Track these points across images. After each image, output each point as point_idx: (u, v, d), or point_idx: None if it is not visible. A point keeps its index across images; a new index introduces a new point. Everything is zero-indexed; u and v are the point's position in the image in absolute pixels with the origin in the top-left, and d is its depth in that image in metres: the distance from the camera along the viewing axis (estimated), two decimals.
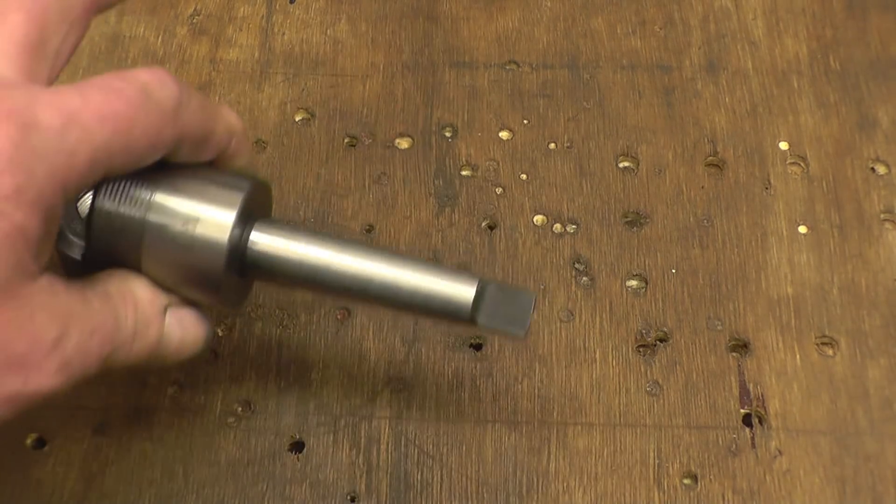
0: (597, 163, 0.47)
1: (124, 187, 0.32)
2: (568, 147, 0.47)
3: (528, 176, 0.47)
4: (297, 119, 0.48)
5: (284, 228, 0.35)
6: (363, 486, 0.40)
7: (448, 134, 0.48)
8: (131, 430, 0.41)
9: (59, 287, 0.29)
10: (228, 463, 0.40)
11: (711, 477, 0.40)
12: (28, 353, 0.28)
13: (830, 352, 0.43)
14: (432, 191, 0.46)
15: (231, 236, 0.33)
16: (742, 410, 0.41)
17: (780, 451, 0.40)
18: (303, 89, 0.49)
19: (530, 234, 0.45)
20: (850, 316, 0.43)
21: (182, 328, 0.34)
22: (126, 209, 0.32)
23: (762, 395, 0.41)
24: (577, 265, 0.45)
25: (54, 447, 0.40)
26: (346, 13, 0.51)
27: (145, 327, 0.33)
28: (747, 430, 0.41)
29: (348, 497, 0.40)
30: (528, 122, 0.48)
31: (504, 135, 0.48)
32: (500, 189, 0.46)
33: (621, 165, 0.47)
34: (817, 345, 0.43)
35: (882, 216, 0.45)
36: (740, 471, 0.40)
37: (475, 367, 0.42)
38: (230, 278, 0.34)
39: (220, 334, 0.43)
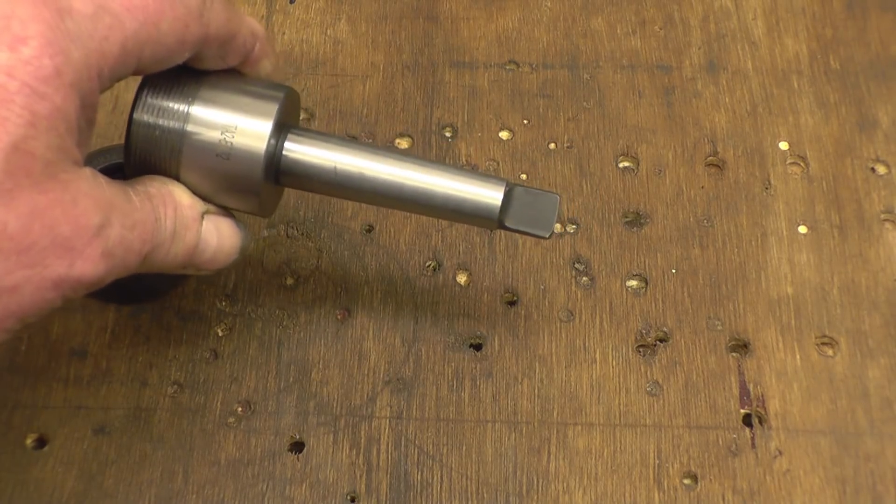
0: (597, 163, 0.47)
1: (161, 100, 0.34)
2: (568, 147, 0.47)
3: (528, 176, 0.47)
4: None
5: (317, 136, 0.36)
6: (363, 486, 0.40)
7: (448, 134, 0.48)
8: (131, 430, 0.41)
9: (102, 180, 0.30)
10: (228, 463, 0.40)
11: (711, 477, 0.40)
12: (73, 236, 0.28)
13: (830, 352, 0.43)
14: None
15: (268, 145, 0.34)
16: (742, 410, 0.41)
17: (780, 451, 0.40)
18: (303, 89, 0.49)
19: None
20: (850, 316, 0.43)
21: (219, 235, 0.35)
22: (164, 121, 0.34)
23: (762, 395, 0.41)
24: (577, 265, 0.45)
25: (54, 447, 0.40)
26: (346, 13, 0.51)
27: (184, 229, 0.34)
28: (747, 430, 0.41)
29: (348, 497, 0.40)
30: (528, 122, 0.48)
31: (504, 135, 0.48)
32: None
33: (621, 165, 0.47)
34: (817, 345, 0.43)
35: (882, 216, 0.45)
36: (740, 471, 0.40)
37: (475, 367, 0.42)
38: (266, 186, 0.35)
39: (220, 334, 0.43)
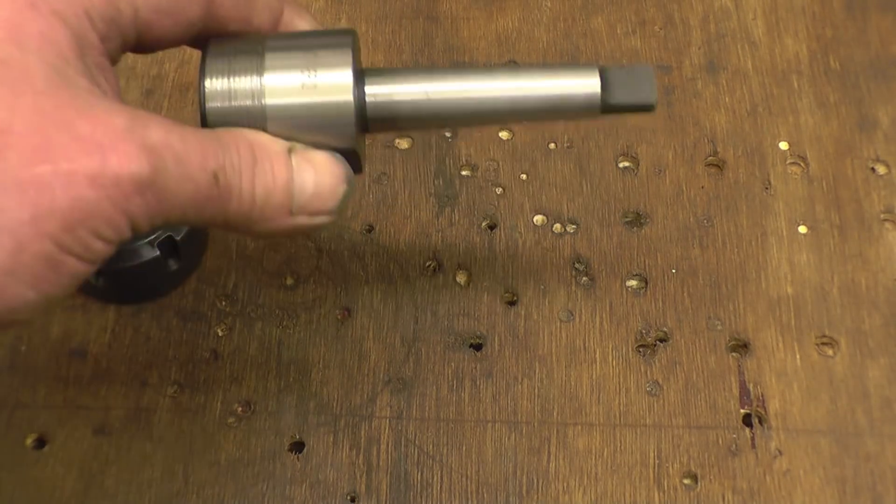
0: (597, 163, 0.47)
1: (229, 81, 0.32)
2: (568, 147, 0.47)
3: (528, 176, 0.47)
4: None
5: (394, 74, 0.34)
6: (363, 486, 0.40)
7: (448, 134, 0.48)
8: (131, 430, 0.41)
9: (139, 109, 0.29)
10: (228, 463, 0.40)
11: (711, 477, 0.40)
12: (95, 132, 0.26)
13: (830, 352, 0.43)
14: (432, 191, 0.46)
15: (354, 96, 0.32)
16: (742, 410, 0.41)
17: (780, 451, 0.40)
18: None
19: (530, 234, 0.45)
20: (850, 316, 0.43)
21: (315, 169, 0.32)
22: (240, 102, 0.32)
23: (762, 395, 0.41)
24: (577, 265, 0.45)
25: (54, 447, 0.40)
26: (346, 13, 0.51)
27: (267, 160, 0.31)
28: (747, 430, 0.41)
29: (348, 497, 0.40)
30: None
31: (504, 135, 0.48)
32: (500, 189, 0.46)
33: (621, 165, 0.47)
34: (817, 345, 0.43)
35: (882, 216, 0.45)
36: (740, 471, 0.40)
37: (475, 367, 0.42)
38: (360, 138, 0.33)
39: (220, 334, 0.43)
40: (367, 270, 0.44)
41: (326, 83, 0.32)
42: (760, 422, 0.41)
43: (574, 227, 0.45)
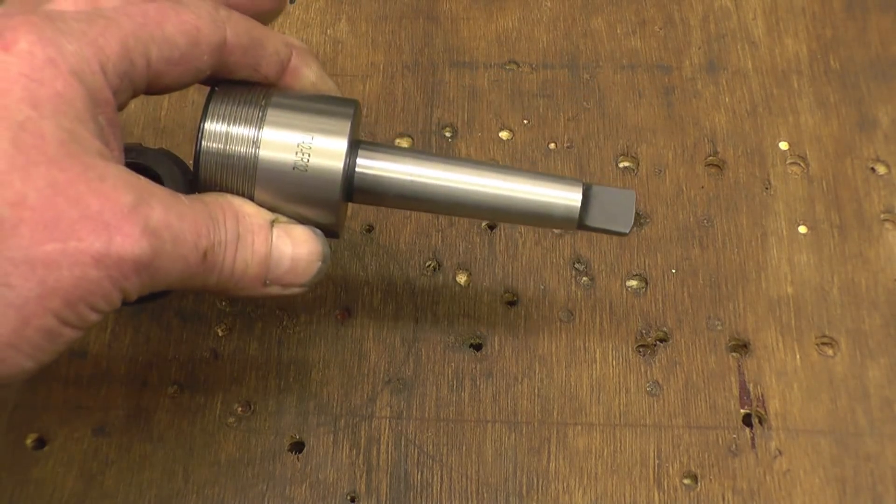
0: (597, 163, 0.47)
1: (228, 126, 0.33)
2: (568, 147, 0.47)
3: None
4: None
5: (387, 151, 0.36)
6: (363, 486, 0.40)
7: (448, 134, 0.48)
8: (131, 430, 0.41)
9: (138, 175, 0.30)
10: (228, 463, 0.40)
11: (711, 477, 0.40)
12: (104, 210, 0.28)
13: (830, 352, 0.43)
14: None
15: (345, 165, 0.34)
16: (742, 410, 0.41)
17: (780, 451, 0.40)
18: None
19: (530, 234, 0.45)
20: (850, 316, 0.43)
21: (293, 244, 0.34)
22: (234, 147, 0.33)
23: (762, 395, 0.41)
24: (577, 265, 0.45)
25: (54, 447, 0.40)
26: (346, 13, 0.51)
27: (249, 234, 0.33)
28: (747, 430, 0.41)
29: (348, 497, 0.40)
30: (528, 122, 0.48)
31: (504, 135, 0.48)
32: None
33: (621, 165, 0.47)
34: (817, 345, 0.43)
35: (882, 216, 0.45)
36: (740, 471, 0.40)
37: (475, 367, 0.42)
38: (342, 205, 0.35)
39: (220, 334, 0.43)
40: (367, 270, 0.44)
41: (321, 147, 0.34)
42: (760, 422, 0.41)
43: None
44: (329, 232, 0.35)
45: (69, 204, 0.27)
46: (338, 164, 0.34)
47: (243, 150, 0.33)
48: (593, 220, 0.36)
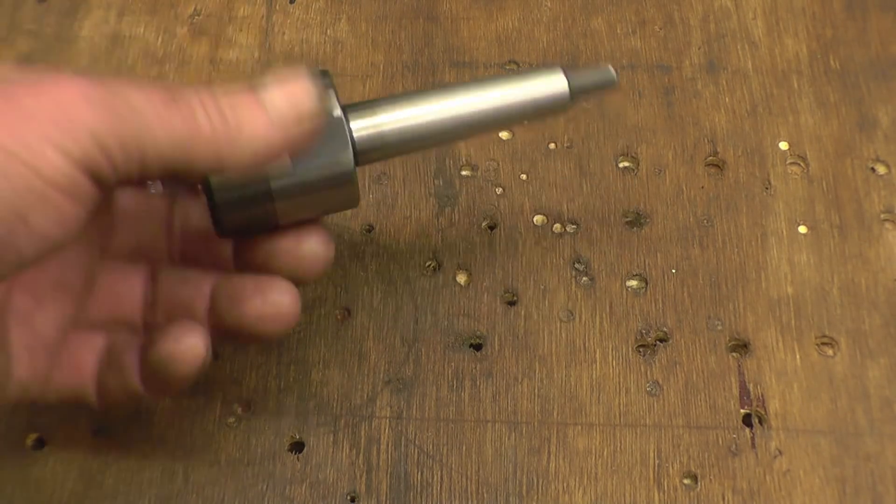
0: (597, 163, 0.47)
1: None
2: (568, 147, 0.47)
3: (528, 176, 0.47)
4: None
5: (370, 107, 0.35)
6: (363, 486, 0.40)
7: None
8: (131, 430, 0.41)
9: None
10: (228, 463, 0.40)
11: (711, 477, 0.40)
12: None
13: (830, 352, 0.43)
14: (432, 191, 0.46)
15: (349, 134, 0.33)
16: (742, 410, 0.41)
17: (780, 451, 0.40)
18: None
19: (530, 234, 0.45)
20: (850, 316, 0.43)
21: (275, 81, 0.31)
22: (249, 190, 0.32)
23: (762, 395, 0.41)
24: (577, 265, 0.45)
25: (54, 447, 0.40)
26: (346, 13, 0.51)
27: (219, 88, 0.31)
28: (747, 430, 0.41)
29: (348, 497, 0.40)
30: (528, 121, 0.48)
31: (504, 135, 0.48)
32: (500, 189, 0.46)
33: (621, 165, 0.47)
34: (817, 345, 0.43)
35: (882, 216, 0.45)
36: (740, 471, 0.40)
37: (475, 367, 0.42)
38: (356, 173, 0.34)
39: None
40: (367, 270, 0.44)
41: (321, 133, 0.33)
42: (760, 422, 0.41)
43: (574, 227, 0.45)
44: (352, 203, 0.35)
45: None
46: (345, 139, 0.33)
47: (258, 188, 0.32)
48: (581, 81, 0.36)
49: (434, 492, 0.40)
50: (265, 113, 0.30)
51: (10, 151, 0.26)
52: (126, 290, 0.35)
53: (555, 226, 0.45)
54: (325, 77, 0.34)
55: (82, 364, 0.34)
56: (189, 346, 0.31)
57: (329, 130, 0.33)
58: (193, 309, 0.34)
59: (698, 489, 0.40)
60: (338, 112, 0.33)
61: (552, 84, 0.36)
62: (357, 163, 0.35)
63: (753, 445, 0.41)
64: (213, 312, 0.34)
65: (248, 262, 0.34)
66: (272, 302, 0.33)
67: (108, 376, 0.34)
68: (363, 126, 0.35)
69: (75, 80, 0.27)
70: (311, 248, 0.34)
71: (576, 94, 0.36)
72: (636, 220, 0.46)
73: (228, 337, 0.34)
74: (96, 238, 0.35)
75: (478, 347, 0.43)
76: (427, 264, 0.45)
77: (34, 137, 0.26)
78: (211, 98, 0.30)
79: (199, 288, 0.34)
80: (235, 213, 0.33)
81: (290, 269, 0.34)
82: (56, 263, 0.33)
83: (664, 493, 0.40)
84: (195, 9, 0.51)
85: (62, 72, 0.28)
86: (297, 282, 0.34)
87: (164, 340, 0.32)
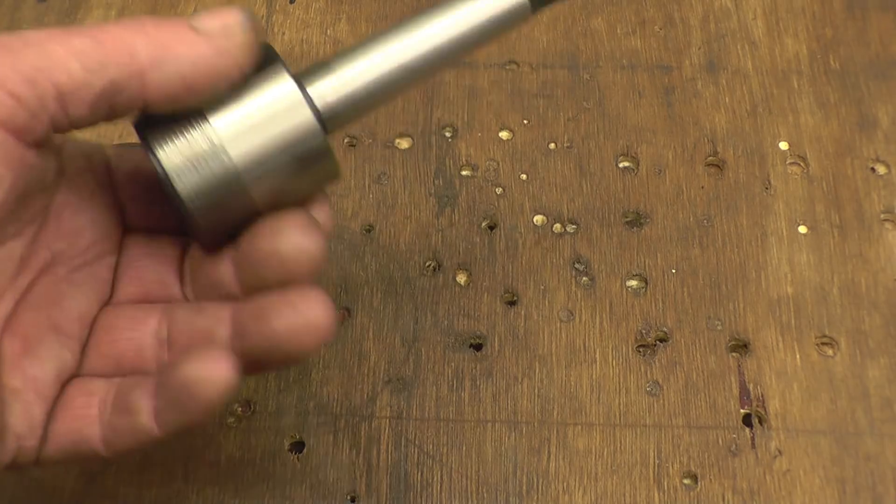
0: (597, 163, 0.47)
1: (186, 159, 0.29)
2: (568, 147, 0.47)
3: (528, 176, 0.47)
4: None
5: (324, 68, 0.32)
6: (363, 486, 0.40)
7: (448, 134, 0.48)
8: None
9: None
10: (228, 463, 0.40)
11: (711, 477, 0.40)
12: None
13: (830, 352, 0.43)
14: (432, 191, 0.46)
15: (311, 106, 0.30)
16: (742, 410, 0.41)
17: (780, 451, 0.40)
18: None
19: (530, 234, 0.45)
20: (850, 316, 0.43)
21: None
22: (206, 169, 0.29)
23: (762, 395, 0.41)
24: (577, 265, 0.45)
25: None
26: (346, 13, 0.51)
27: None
28: (747, 430, 0.41)
29: (348, 497, 0.40)
30: (528, 122, 0.48)
31: (504, 135, 0.48)
32: (500, 189, 0.46)
33: (621, 165, 0.47)
34: (817, 345, 0.43)
35: (882, 216, 0.45)
36: (740, 471, 0.40)
37: (475, 367, 0.42)
38: (328, 142, 0.31)
39: None
40: (367, 270, 0.44)
41: (277, 108, 0.30)
42: (760, 422, 0.41)
43: (574, 227, 0.45)
44: (333, 175, 0.32)
45: None
46: (305, 111, 0.30)
47: (216, 166, 0.30)
48: None
49: (434, 492, 0.40)
50: (193, 31, 0.28)
51: None
52: (134, 334, 0.32)
53: (555, 226, 0.45)
54: (268, 49, 0.31)
55: (85, 411, 0.31)
56: (217, 367, 0.28)
57: (285, 102, 0.30)
58: (214, 337, 0.31)
59: (698, 489, 0.40)
60: (288, 80, 0.30)
61: (514, 4, 0.32)
62: (326, 129, 0.32)
63: (753, 445, 0.41)
64: (237, 336, 0.31)
65: (248, 279, 0.32)
66: (303, 312, 0.29)
67: (116, 420, 0.30)
68: (323, 89, 0.31)
69: None
70: (291, 240, 0.30)
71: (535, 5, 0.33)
72: (636, 220, 0.46)
73: (257, 362, 0.30)
74: (95, 287, 0.32)
75: (478, 347, 0.43)
76: (427, 264, 0.45)
77: None
78: (131, 20, 0.28)
79: (217, 316, 0.31)
80: (212, 216, 0.30)
81: (277, 271, 0.30)
82: (47, 309, 0.31)
83: (664, 493, 0.40)
84: (195, 9, 0.51)
85: None
86: (295, 282, 0.31)
87: (188, 363, 0.29)
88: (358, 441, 0.41)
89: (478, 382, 0.42)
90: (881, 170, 0.47)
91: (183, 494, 0.40)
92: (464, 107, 0.48)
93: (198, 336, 0.31)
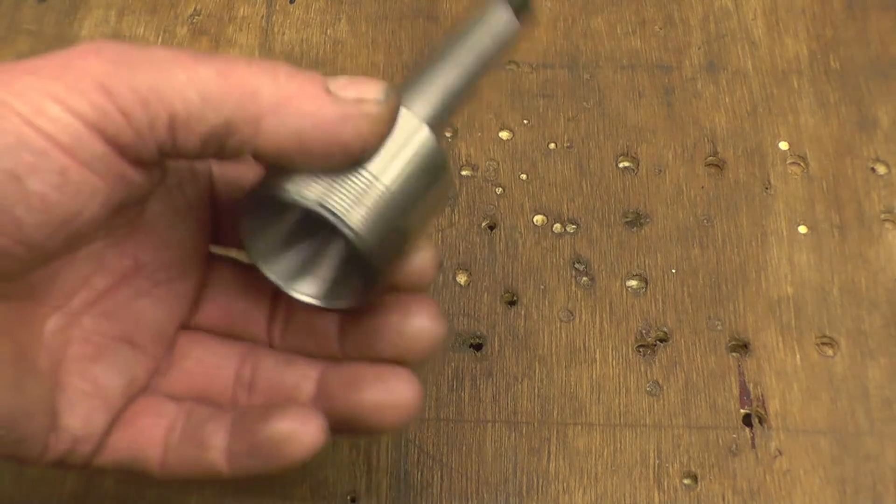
0: (597, 163, 0.47)
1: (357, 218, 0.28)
2: (568, 147, 0.47)
3: (528, 176, 0.47)
4: None
5: (407, 93, 0.31)
6: (363, 486, 0.40)
7: (448, 134, 0.48)
8: None
9: None
10: None
11: (711, 477, 0.40)
12: None
13: (830, 352, 0.43)
14: None
15: (429, 130, 0.30)
16: (742, 410, 0.41)
17: (780, 451, 0.40)
18: None
19: (530, 234, 0.45)
20: (850, 316, 0.43)
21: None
22: (378, 209, 0.28)
23: (762, 395, 0.41)
24: (577, 265, 0.45)
25: None
26: (346, 13, 0.51)
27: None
28: (747, 430, 0.41)
29: (348, 497, 0.40)
30: (528, 122, 0.48)
31: (504, 135, 0.48)
32: (500, 189, 0.46)
33: (621, 165, 0.47)
34: (817, 345, 0.43)
35: (882, 216, 0.45)
36: (740, 471, 0.40)
37: (475, 367, 0.42)
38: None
39: None
40: None
41: (403, 133, 0.29)
42: (760, 422, 0.41)
43: (574, 227, 0.45)
44: (450, 191, 0.32)
45: None
46: (425, 130, 0.29)
47: (376, 195, 0.28)
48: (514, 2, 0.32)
49: (434, 492, 0.40)
50: (325, 91, 0.26)
51: (2, 101, 0.23)
52: (215, 367, 0.32)
53: (555, 226, 0.45)
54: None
55: (151, 431, 0.30)
56: (309, 427, 0.28)
57: (408, 126, 0.29)
58: (298, 394, 0.31)
59: (698, 489, 0.40)
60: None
61: (499, 20, 0.32)
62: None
63: (753, 445, 0.41)
64: (321, 399, 0.30)
65: (354, 344, 0.31)
66: (394, 391, 0.29)
67: (185, 450, 0.30)
68: (420, 108, 0.31)
69: (93, 41, 0.25)
70: (420, 323, 0.30)
71: (521, 14, 0.32)
72: (636, 220, 0.46)
73: (335, 425, 0.30)
74: (176, 305, 0.32)
75: (478, 347, 0.43)
76: None
77: (32, 89, 0.24)
78: (265, 62, 0.26)
79: (305, 373, 0.31)
80: (379, 251, 0.29)
81: (396, 349, 0.30)
82: (123, 320, 0.30)
83: (664, 493, 0.40)
84: (195, 9, 0.51)
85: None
86: (403, 363, 0.30)
87: (281, 420, 0.28)
88: (358, 441, 0.41)
89: (478, 382, 0.42)
90: (881, 170, 0.47)
91: (183, 494, 0.40)
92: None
93: (283, 389, 0.31)
